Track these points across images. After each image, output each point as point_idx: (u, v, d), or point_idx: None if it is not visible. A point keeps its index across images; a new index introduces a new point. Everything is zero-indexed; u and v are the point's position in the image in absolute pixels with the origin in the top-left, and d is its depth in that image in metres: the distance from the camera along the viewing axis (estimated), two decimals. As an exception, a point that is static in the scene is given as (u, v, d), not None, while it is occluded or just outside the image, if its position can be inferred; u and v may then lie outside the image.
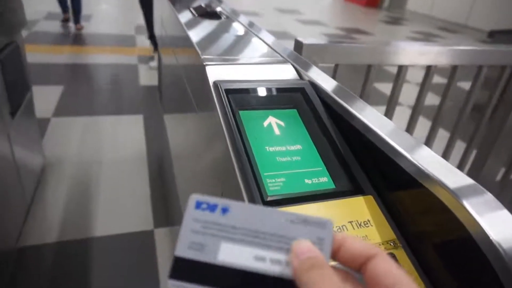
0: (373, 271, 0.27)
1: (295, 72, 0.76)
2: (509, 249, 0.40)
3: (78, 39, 4.43)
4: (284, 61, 0.79)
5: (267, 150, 0.56)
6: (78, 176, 2.09)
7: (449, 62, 1.28)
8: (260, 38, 0.97)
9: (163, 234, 1.75)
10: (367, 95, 1.20)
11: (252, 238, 0.29)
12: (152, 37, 3.89)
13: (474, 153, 1.74)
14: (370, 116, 0.59)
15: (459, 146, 1.59)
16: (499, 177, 1.82)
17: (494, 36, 3.99)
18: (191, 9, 1.23)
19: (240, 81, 0.66)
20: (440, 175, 0.48)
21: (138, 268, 1.57)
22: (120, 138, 2.52)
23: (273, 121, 0.61)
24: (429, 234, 0.49)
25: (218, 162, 0.65)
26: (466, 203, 0.44)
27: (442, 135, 1.58)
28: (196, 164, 0.93)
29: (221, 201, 0.30)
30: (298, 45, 1.04)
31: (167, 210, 1.89)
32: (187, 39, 0.91)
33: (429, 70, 1.28)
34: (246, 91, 0.64)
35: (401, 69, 1.23)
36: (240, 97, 0.62)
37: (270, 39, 0.97)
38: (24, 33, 3.85)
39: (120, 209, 1.89)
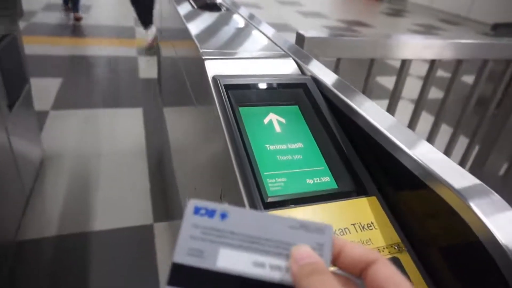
0: (373, 276, 0.27)
1: (296, 67, 0.74)
2: (518, 253, 0.38)
3: (77, 31, 4.38)
4: (285, 55, 0.77)
5: (268, 148, 0.55)
6: (77, 170, 2.07)
7: (454, 56, 1.26)
8: (261, 31, 0.94)
9: (162, 228, 1.75)
10: (369, 90, 1.18)
11: (251, 244, 0.28)
12: (144, 22, 3.85)
13: (476, 148, 1.72)
14: (374, 113, 0.57)
15: (462, 141, 1.57)
16: (502, 172, 1.81)
17: (497, 29, 3.94)
18: (191, 0, 1.20)
19: (240, 76, 0.64)
20: (445, 175, 0.46)
21: (137, 263, 1.57)
22: (119, 131, 2.50)
23: (273, 118, 0.59)
24: (434, 237, 0.47)
25: (217, 160, 0.63)
26: (472, 205, 0.43)
27: (444, 129, 1.56)
28: (195, 159, 0.91)
29: (220, 207, 0.29)
30: (300, 38, 1.02)
31: (166, 204, 1.88)
32: (186, 31, 0.89)
33: (433, 64, 1.26)
34: (246, 86, 0.62)
35: (405, 63, 1.21)
36: (239, 93, 0.60)
37: (270, 32, 0.95)
38: (22, 24, 3.82)
39: (119, 203, 1.88)
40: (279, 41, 0.87)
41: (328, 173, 0.54)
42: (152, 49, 3.85)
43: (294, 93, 0.64)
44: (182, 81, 1.03)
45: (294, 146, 0.56)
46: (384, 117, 0.57)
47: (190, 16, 1.03)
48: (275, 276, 0.27)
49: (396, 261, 0.45)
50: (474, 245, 0.42)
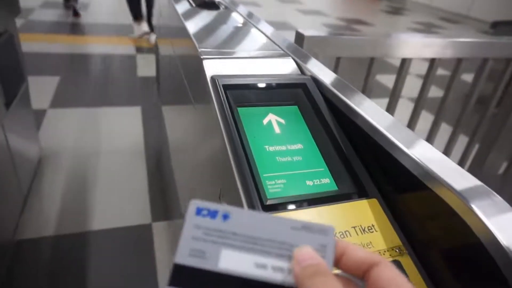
0: (376, 279, 0.26)
1: (296, 66, 0.73)
2: (521, 256, 0.38)
3: (75, 29, 4.36)
4: (285, 55, 0.76)
5: (267, 149, 0.54)
6: (75, 168, 2.06)
7: (454, 55, 1.25)
8: (260, 30, 0.93)
9: (161, 228, 1.74)
10: (369, 89, 1.17)
11: (254, 245, 0.28)
12: (149, 25, 3.95)
13: (476, 146, 1.72)
14: (374, 114, 0.56)
15: (462, 140, 1.57)
16: (501, 170, 1.81)
17: (497, 27, 3.93)
18: (189, -2, 1.19)
19: (238, 76, 0.63)
20: (446, 176, 0.46)
21: (136, 262, 1.56)
22: (117, 130, 2.49)
23: (273, 119, 0.59)
24: (435, 240, 0.47)
25: (215, 161, 0.63)
26: (473, 206, 0.42)
27: (444, 128, 1.56)
28: (194, 158, 0.90)
29: (221, 208, 0.29)
30: (299, 37, 1.01)
31: (165, 203, 1.87)
32: (184, 30, 0.88)
33: (433, 63, 1.25)
34: (244, 86, 0.61)
35: (405, 61, 1.20)
36: (238, 93, 0.60)
37: (269, 30, 0.94)
38: (19, 21, 3.79)
39: (117, 202, 1.87)
40: (278, 40, 0.86)
41: (328, 174, 0.53)
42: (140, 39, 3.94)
43: (294, 93, 0.64)
44: (180, 80, 1.02)
45: (293, 147, 0.56)
46: (384, 117, 0.56)
47: (188, 15, 1.02)
48: (277, 277, 0.27)
49: (397, 264, 0.45)
50: (476, 247, 0.42)
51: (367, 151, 0.56)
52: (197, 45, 0.73)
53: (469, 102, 1.42)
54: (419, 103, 1.33)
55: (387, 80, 3.29)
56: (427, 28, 6.91)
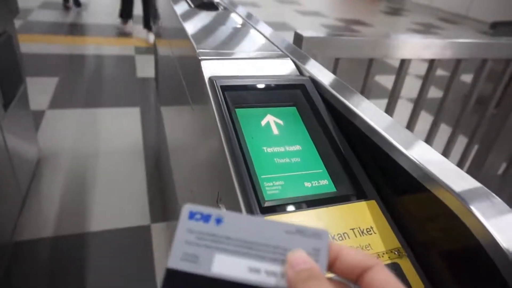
0: (370, 282, 0.26)
1: (294, 67, 0.73)
2: (521, 258, 0.38)
3: (74, 29, 4.35)
4: (283, 56, 0.76)
5: (265, 151, 0.54)
6: (74, 169, 2.06)
7: (453, 56, 1.25)
8: (258, 30, 0.93)
9: (160, 229, 1.73)
10: (368, 90, 1.17)
11: (247, 249, 0.28)
12: (147, 25, 3.98)
13: (475, 147, 1.72)
14: (373, 115, 0.56)
15: (461, 140, 1.57)
16: (500, 171, 1.81)
17: (496, 27, 3.94)
18: (188, -1, 1.19)
19: (236, 77, 0.63)
20: (445, 178, 0.45)
21: (135, 263, 1.56)
22: (116, 131, 2.49)
23: (271, 120, 0.58)
24: (435, 242, 0.46)
25: (213, 162, 0.62)
26: (473, 208, 0.42)
27: (443, 129, 1.55)
28: (192, 160, 0.90)
29: (215, 212, 0.29)
30: (298, 38, 1.01)
31: (164, 204, 1.86)
32: (183, 31, 0.88)
33: (432, 63, 1.25)
34: (242, 87, 0.61)
35: (404, 62, 1.20)
36: (236, 94, 0.59)
37: (268, 31, 0.93)
38: (17, 22, 3.79)
39: (116, 203, 1.86)
40: (277, 40, 0.86)
41: (327, 176, 0.53)
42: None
43: (292, 94, 0.63)
44: (178, 81, 1.01)
45: (292, 148, 0.55)
46: (382, 119, 0.56)
47: (187, 15, 1.02)
48: (270, 281, 0.27)
49: (396, 267, 0.44)
50: (475, 249, 0.41)
51: (366, 152, 0.56)
52: (195, 46, 0.73)
53: (468, 103, 1.42)
54: (418, 103, 1.33)
55: (386, 81, 3.29)
56: (426, 29, 6.92)
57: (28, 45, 3.50)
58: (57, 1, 4.97)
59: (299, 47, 0.96)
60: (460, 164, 1.59)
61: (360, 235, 0.46)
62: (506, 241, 0.40)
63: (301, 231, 0.28)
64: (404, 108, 1.53)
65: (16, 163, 1.64)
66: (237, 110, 0.58)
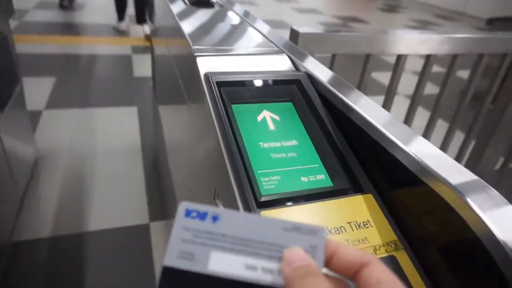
0: (366, 278, 0.26)
1: (290, 63, 0.73)
2: (517, 250, 0.38)
3: (70, 29, 4.34)
4: (279, 52, 0.75)
5: (261, 146, 0.54)
6: (72, 169, 2.05)
7: (450, 51, 1.25)
8: (255, 28, 0.93)
9: (158, 227, 1.73)
10: (365, 86, 1.17)
11: (243, 247, 0.28)
12: (140, 19, 4.14)
13: (472, 143, 1.72)
14: (369, 109, 0.56)
15: (458, 136, 1.57)
16: (497, 166, 1.81)
17: (493, 23, 3.94)
18: (183, -3, 1.18)
19: (232, 73, 0.63)
20: (441, 171, 0.45)
21: (134, 262, 1.56)
22: (114, 131, 2.48)
23: (267, 115, 0.58)
24: (431, 235, 0.46)
25: (210, 159, 0.62)
26: (469, 201, 0.42)
27: (440, 124, 1.56)
28: (190, 158, 0.90)
29: (211, 209, 0.29)
30: (294, 35, 1.01)
31: (162, 203, 1.86)
32: (178, 28, 0.87)
33: (428, 59, 1.25)
34: (238, 83, 0.61)
35: (400, 58, 1.20)
36: (232, 90, 0.59)
37: (265, 28, 0.93)
38: (13, 23, 3.76)
39: (114, 202, 1.86)
40: (273, 37, 0.85)
41: (323, 170, 0.53)
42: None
43: (288, 90, 0.63)
44: (175, 79, 1.01)
45: (288, 143, 0.55)
46: (379, 113, 0.56)
47: (182, 13, 1.02)
48: (267, 279, 0.27)
49: (393, 260, 0.44)
50: (472, 242, 0.41)
51: (362, 146, 0.56)
52: (190, 43, 0.73)
53: (465, 98, 1.42)
54: (415, 99, 1.33)
55: (383, 77, 3.29)
56: (423, 26, 6.92)
57: (25, 45, 3.48)
58: (53, 1, 4.95)
59: (295, 44, 0.96)
60: (457, 160, 1.59)
61: (357, 229, 0.46)
62: (503, 233, 0.40)
63: (297, 228, 0.28)
64: (401, 104, 1.54)
65: (14, 164, 1.63)
66: (233, 106, 0.58)
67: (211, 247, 0.28)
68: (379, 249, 0.45)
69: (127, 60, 3.61)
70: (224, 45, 0.76)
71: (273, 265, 0.27)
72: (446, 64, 1.34)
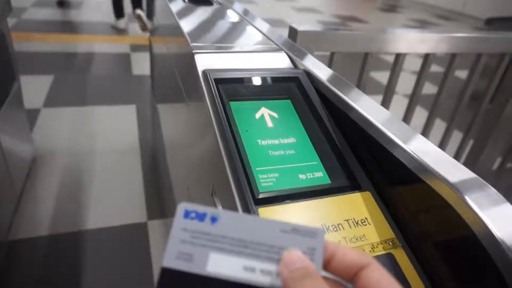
0: (365, 281, 0.27)
1: (289, 61, 0.72)
2: (515, 247, 0.37)
3: (69, 27, 4.33)
4: (278, 49, 0.75)
5: (259, 143, 0.53)
6: (70, 168, 2.05)
7: (448, 50, 1.25)
8: (253, 26, 0.93)
9: (156, 226, 1.73)
10: (363, 84, 1.17)
11: (242, 248, 0.28)
12: (136, 6, 4.18)
13: (471, 142, 1.72)
14: (368, 107, 0.56)
15: (456, 136, 1.57)
16: (495, 166, 1.81)
17: (492, 23, 3.95)
18: (182, -5, 1.18)
19: (230, 70, 0.63)
20: (440, 168, 0.45)
21: (132, 261, 1.55)
22: (112, 129, 2.47)
23: (265, 113, 0.58)
24: (429, 232, 0.46)
25: (208, 156, 0.62)
26: (467, 198, 0.42)
27: (439, 124, 1.56)
28: (188, 156, 0.90)
29: (210, 210, 0.29)
30: (293, 32, 1.00)
31: (160, 202, 1.86)
32: (176, 26, 0.87)
33: (427, 58, 1.25)
34: (237, 80, 0.61)
35: (399, 57, 1.20)
36: (230, 87, 0.59)
37: (263, 26, 0.93)
38: (11, 21, 3.74)
39: (113, 201, 1.86)
40: (272, 35, 0.85)
41: (321, 168, 0.53)
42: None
43: (287, 87, 0.63)
44: (173, 77, 1.01)
45: (286, 141, 0.55)
46: (377, 111, 0.56)
47: (181, 11, 1.01)
48: (265, 280, 0.27)
49: (390, 257, 0.44)
50: (469, 239, 0.41)
51: (361, 144, 0.56)
52: (189, 40, 0.72)
53: (463, 98, 1.42)
54: (414, 98, 1.33)
55: (381, 77, 3.29)
56: (422, 26, 6.93)
57: (23, 43, 3.47)
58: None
59: (294, 42, 0.96)
60: (455, 159, 1.60)
61: (355, 226, 0.46)
62: (501, 231, 0.40)
63: (296, 230, 0.28)
64: (399, 103, 1.54)
65: (11, 162, 1.63)
66: (231, 103, 0.57)
67: (210, 248, 0.28)
68: (377, 247, 0.45)
69: (125, 58, 3.60)
70: (223, 42, 0.76)
71: (271, 266, 0.27)
72: (445, 64, 1.34)
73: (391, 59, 1.23)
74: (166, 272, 0.27)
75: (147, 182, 2.01)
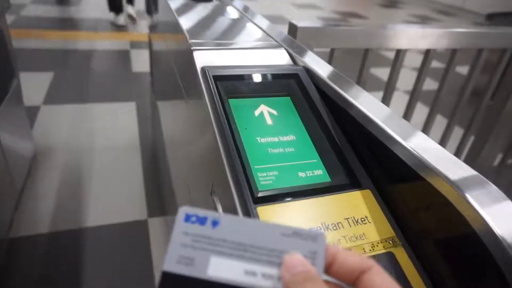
0: (367, 284, 0.27)
1: (288, 57, 0.72)
2: (515, 245, 0.37)
3: (68, 24, 4.31)
4: (277, 46, 0.75)
5: (259, 141, 0.53)
6: (70, 165, 2.05)
7: (449, 46, 1.24)
8: (253, 22, 0.92)
9: (157, 223, 1.73)
10: (364, 81, 1.16)
11: (243, 252, 0.28)
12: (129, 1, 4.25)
13: (471, 138, 1.72)
14: (368, 104, 0.55)
15: (457, 132, 1.57)
16: (496, 162, 1.81)
17: (492, 18, 3.93)
18: (181, -9, 1.17)
19: (229, 67, 0.62)
20: (440, 166, 0.45)
21: (132, 258, 1.55)
22: (112, 126, 2.47)
23: (265, 110, 0.58)
24: (430, 230, 0.46)
25: (207, 154, 0.62)
26: (468, 196, 0.42)
27: (440, 120, 1.55)
28: (187, 154, 0.89)
29: (211, 214, 0.29)
30: (292, 29, 1.00)
31: (161, 199, 1.86)
32: (175, 22, 0.86)
33: (427, 54, 1.24)
34: (235, 77, 0.60)
35: (399, 53, 1.19)
36: (229, 84, 0.58)
37: (263, 23, 0.92)
38: (10, 17, 3.73)
39: (113, 198, 1.86)
40: (271, 32, 0.85)
41: (321, 166, 0.53)
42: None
43: (286, 84, 0.63)
44: (172, 74, 1.00)
45: (286, 138, 0.55)
46: (377, 108, 0.55)
47: (180, 7, 1.01)
48: (267, 284, 0.27)
49: (390, 256, 0.44)
50: (470, 237, 0.41)
51: (361, 141, 0.55)
52: (187, 36, 0.72)
53: (464, 94, 1.41)
54: (414, 95, 1.33)
55: (382, 73, 3.28)
56: (423, 21, 6.90)
57: (22, 40, 3.46)
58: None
59: (294, 38, 0.95)
60: (456, 156, 1.59)
61: (355, 225, 0.45)
62: (502, 229, 0.39)
63: (297, 234, 0.28)
64: (400, 100, 1.53)
65: (11, 160, 1.63)
66: (230, 100, 0.57)
67: (211, 252, 0.28)
68: (377, 246, 0.45)
69: (125, 55, 3.59)
70: (222, 39, 0.75)
71: (272, 270, 0.27)
72: (445, 60, 1.34)
73: (391, 55, 1.23)
74: (167, 276, 0.27)
75: (147, 179, 2.00)
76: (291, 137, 0.55)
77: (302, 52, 0.73)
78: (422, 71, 1.27)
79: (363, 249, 0.44)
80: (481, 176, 0.45)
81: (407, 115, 1.37)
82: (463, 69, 1.70)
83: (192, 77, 0.66)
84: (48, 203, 1.77)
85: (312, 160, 0.53)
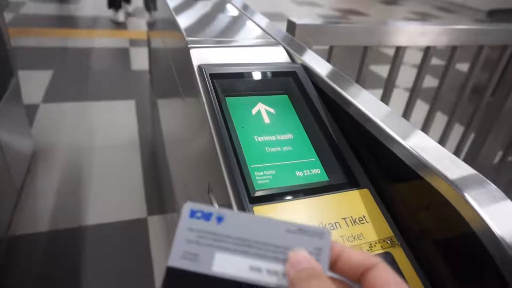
0: (372, 281, 0.26)
1: (286, 55, 0.71)
2: (514, 245, 0.37)
3: (68, 22, 4.30)
4: (275, 43, 0.74)
5: (256, 140, 0.52)
6: (69, 163, 2.05)
7: (449, 42, 1.23)
8: (251, 20, 0.91)
9: (156, 221, 1.73)
10: (363, 78, 1.15)
11: (248, 248, 0.28)
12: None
13: (472, 136, 1.71)
14: (367, 102, 0.55)
15: (457, 129, 1.56)
16: (496, 160, 1.81)
17: (494, 15, 3.91)
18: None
19: (226, 65, 0.61)
20: (439, 165, 0.44)
21: (132, 257, 1.55)
22: (112, 124, 2.47)
23: (262, 108, 0.57)
24: (428, 230, 0.46)
25: (204, 153, 0.61)
26: (467, 195, 0.41)
27: (440, 118, 1.54)
28: (185, 152, 0.89)
29: (216, 210, 0.29)
30: (291, 26, 0.99)
31: (160, 197, 1.86)
32: (173, 20, 0.86)
33: (427, 51, 1.24)
34: (233, 75, 0.59)
35: (399, 50, 1.19)
36: (226, 82, 0.58)
37: (261, 20, 0.91)
38: (9, 15, 3.73)
39: (112, 196, 1.86)
40: (269, 29, 0.84)
41: (319, 165, 0.52)
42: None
43: (284, 82, 0.62)
44: (170, 72, 1.00)
45: (283, 137, 0.54)
46: (376, 106, 0.54)
47: (177, 4, 1.00)
48: (272, 280, 0.27)
49: (388, 256, 0.44)
50: (469, 237, 0.41)
51: (359, 140, 0.55)
52: (184, 34, 0.71)
53: (465, 91, 1.41)
54: (414, 92, 1.32)
55: (381, 70, 3.27)
56: (423, 18, 6.88)
57: (21, 38, 3.45)
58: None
59: (292, 36, 0.94)
60: (456, 153, 1.59)
61: (352, 224, 0.45)
62: (501, 228, 0.39)
63: (302, 230, 0.28)
64: (400, 97, 1.52)
65: (10, 158, 1.62)
66: (227, 98, 0.56)
67: (216, 248, 0.28)
68: (375, 246, 0.44)
69: (124, 53, 3.58)
70: (219, 37, 0.74)
71: (277, 266, 0.27)
72: (445, 57, 1.33)
73: (391, 52, 1.22)
74: (171, 272, 0.27)
75: (146, 177, 2.00)
76: (288, 136, 0.55)
77: (300, 50, 0.72)
78: (422, 68, 1.26)
79: (361, 249, 0.44)
80: (480, 175, 0.44)
81: (407, 113, 1.36)
82: (463, 66, 1.69)
83: (189, 75, 0.66)
84: (47, 201, 1.77)
85: (310, 159, 0.52)
